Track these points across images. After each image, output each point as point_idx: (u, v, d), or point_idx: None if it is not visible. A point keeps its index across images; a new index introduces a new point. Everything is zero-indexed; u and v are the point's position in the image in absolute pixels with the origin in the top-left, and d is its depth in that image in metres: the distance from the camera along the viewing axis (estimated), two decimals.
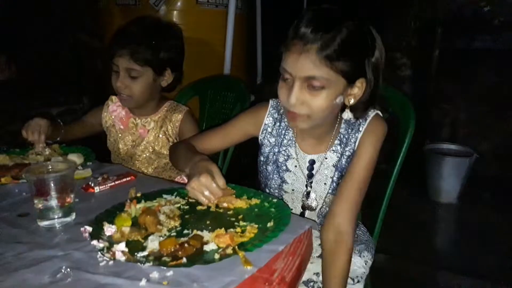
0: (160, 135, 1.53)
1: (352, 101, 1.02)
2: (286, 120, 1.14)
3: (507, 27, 3.13)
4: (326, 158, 1.14)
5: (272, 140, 1.19)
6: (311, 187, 1.16)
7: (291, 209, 0.99)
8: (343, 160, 1.12)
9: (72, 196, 0.92)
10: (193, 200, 0.98)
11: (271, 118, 1.18)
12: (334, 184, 1.13)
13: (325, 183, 1.15)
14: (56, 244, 0.82)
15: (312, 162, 1.15)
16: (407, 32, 3.40)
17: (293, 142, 1.17)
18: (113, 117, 1.55)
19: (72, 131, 1.50)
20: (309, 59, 0.92)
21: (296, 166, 1.16)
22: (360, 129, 1.09)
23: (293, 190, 1.18)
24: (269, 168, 1.19)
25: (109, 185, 1.10)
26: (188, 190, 0.93)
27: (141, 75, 1.41)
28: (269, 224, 0.86)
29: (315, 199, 1.16)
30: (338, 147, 1.13)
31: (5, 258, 0.76)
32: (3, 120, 3.32)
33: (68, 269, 0.71)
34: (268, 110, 1.19)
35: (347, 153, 1.12)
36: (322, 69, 0.92)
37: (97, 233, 0.82)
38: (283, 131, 1.18)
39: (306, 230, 0.87)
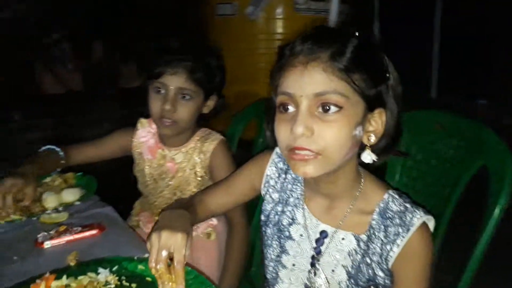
0: (188, 169, 1.32)
1: (373, 139, 0.76)
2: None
3: None
4: (343, 239, 0.81)
5: (275, 196, 0.92)
6: (317, 267, 0.84)
7: None
8: (364, 266, 0.80)
9: None
10: (127, 284, 0.78)
11: (274, 168, 0.93)
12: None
13: (333, 270, 0.83)
14: None
15: (325, 235, 0.84)
16: None
17: (301, 202, 0.88)
18: (141, 144, 1.39)
19: (85, 154, 1.37)
20: (319, 71, 0.70)
21: (302, 235, 0.87)
22: (398, 241, 0.76)
23: (293, 265, 0.88)
24: (269, 231, 0.93)
25: (65, 239, 0.93)
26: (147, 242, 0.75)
27: (194, 97, 1.23)
28: None
29: (325, 283, 0.84)
30: (363, 237, 0.80)
31: None
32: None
33: None
34: (271, 158, 0.92)
35: (373, 259, 0.79)
36: (337, 82, 0.70)
37: None
38: (290, 186, 0.90)
39: None
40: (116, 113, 3.59)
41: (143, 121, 1.38)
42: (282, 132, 0.74)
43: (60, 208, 1.09)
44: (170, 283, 0.72)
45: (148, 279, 0.78)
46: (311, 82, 0.70)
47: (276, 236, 0.91)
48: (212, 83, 1.26)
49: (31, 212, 1.06)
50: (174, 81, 1.19)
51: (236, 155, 1.50)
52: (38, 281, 0.75)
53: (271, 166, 0.92)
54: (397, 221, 0.76)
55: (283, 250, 0.89)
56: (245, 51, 2.92)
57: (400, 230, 0.75)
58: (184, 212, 0.84)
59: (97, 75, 3.95)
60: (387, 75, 0.75)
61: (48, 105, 3.54)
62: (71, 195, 1.14)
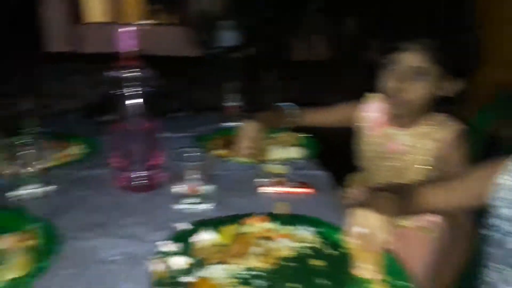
0: (413, 154, 1.23)
1: None
2: None
3: None
4: None
5: (506, 211, 0.75)
6: None
7: None
8: None
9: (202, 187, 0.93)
10: (319, 248, 0.78)
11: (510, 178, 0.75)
12: None
13: None
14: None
15: None
16: None
17: None
18: (366, 118, 1.36)
19: (315, 118, 1.42)
20: None
21: None
22: None
23: None
24: (493, 251, 0.78)
25: (280, 189, 1.01)
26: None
27: (430, 77, 1.14)
28: None
29: None
30: None
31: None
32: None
33: None
34: (508, 165, 0.76)
35: None
36: None
37: (184, 236, 0.79)
38: None
39: None
40: (359, 85, 3.63)
41: (373, 96, 1.34)
42: None
43: (283, 162, 1.18)
44: (363, 262, 0.68)
45: (342, 251, 0.76)
46: None
47: (502, 262, 0.75)
48: (455, 63, 1.11)
49: (258, 159, 1.19)
50: (409, 59, 1.10)
51: (479, 151, 1.30)
52: (251, 218, 0.84)
53: (506, 175, 0.75)
54: None
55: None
56: None
57: None
58: (399, 199, 0.77)
59: (345, 47, 4.04)
60: None
61: (297, 70, 3.87)
62: (295, 152, 1.24)
